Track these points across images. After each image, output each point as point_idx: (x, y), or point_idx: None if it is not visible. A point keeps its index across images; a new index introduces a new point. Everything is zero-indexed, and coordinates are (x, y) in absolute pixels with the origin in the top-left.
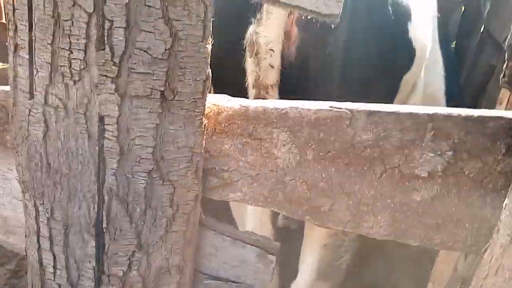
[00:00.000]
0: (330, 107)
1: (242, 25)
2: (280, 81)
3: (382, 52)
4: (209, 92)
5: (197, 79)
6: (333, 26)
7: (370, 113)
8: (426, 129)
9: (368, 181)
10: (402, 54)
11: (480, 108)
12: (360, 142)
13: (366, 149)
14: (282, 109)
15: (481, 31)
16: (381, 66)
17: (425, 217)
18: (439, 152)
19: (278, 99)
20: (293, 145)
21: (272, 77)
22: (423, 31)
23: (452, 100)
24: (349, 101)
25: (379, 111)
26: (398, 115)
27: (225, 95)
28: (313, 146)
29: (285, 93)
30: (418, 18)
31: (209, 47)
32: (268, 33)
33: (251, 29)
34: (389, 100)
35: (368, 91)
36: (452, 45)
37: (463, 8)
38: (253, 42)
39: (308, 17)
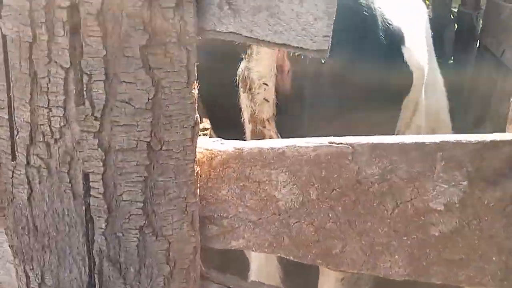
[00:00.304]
0: (330, 142)
1: (233, 61)
2: (277, 114)
3: (379, 78)
4: (207, 131)
5: (185, 126)
6: (323, 61)
7: (373, 146)
8: (436, 159)
9: (379, 218)
10: (399, 79)
11: (486, 122)
12: (365, 177)
13: (373, 184)
14: (279, 148)
15: (477, 46)
16: (379, 93)
17: (446, 253)
18: (453, 183)
19: (276, 132)
20: (294, 186)
21: (267, 111)
22: (418, 52)
23: (456, 117)
24: (350, 128)
25: (382, 143)
26: (403, 146)
27: (218, 138)
28: (316, 185)
29: (283, 126)
30: (412, 40)
31: (195, 92)
32: (260, 67)
33: (242, 65)
34: (392, 126)
35: (368, 120)
36: (450, 62)
37: (456, 26)
38: (245, 77)
39: (296, 54)
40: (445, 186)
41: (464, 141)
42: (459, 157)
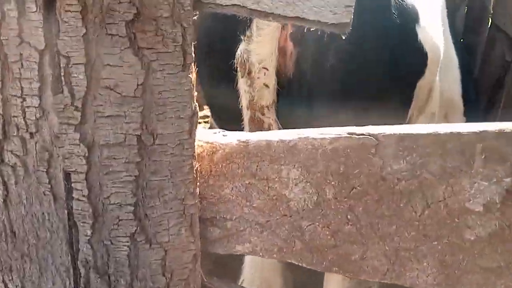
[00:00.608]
0: (349, 133)
1: (232, 43)
2: (277, 101)
3: (390, 59)
4: (208, 119)
5: (181, 116)
6: (343, 37)
7: (401, 137)
8: (475, 152)
9: (406, 221)
10: (413, 60)
11: (499, 105)
12: (391, 173)
13: (400, 181)
14: (290, 141)
15: (489, 26)
16: (391, 75)
17: (482, 259)
18: (494, 179)
19: (276, 120)
20: (308, 183)
21: (267, 97)
22: (434, 32)
23: (468, 102)
24: (358, 116)
25: (412, 134)
26: (437, 136)
27: (220, 129)
28: (332, 183)
29: (283, 114)
30: (427, 19)
31: (193, 76)
32: (260, 50)
33: (241, 47)
34: (404, 111)
35: (379, 104)
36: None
37: (466, 6)
38: (244, 61)
39: (312, 29)
40: (485, 183)
41: (508, 130)
42: (502, 149)
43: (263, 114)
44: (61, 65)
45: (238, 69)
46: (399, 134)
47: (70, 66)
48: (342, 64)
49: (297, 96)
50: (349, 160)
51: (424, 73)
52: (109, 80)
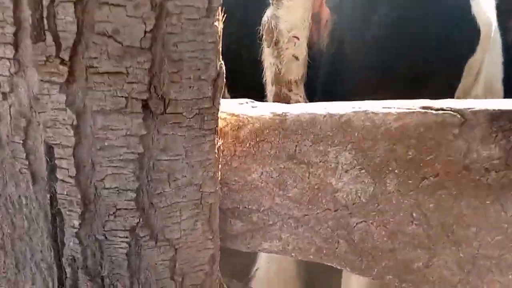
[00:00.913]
0: (423, 107)
1: (257, 7)
2: (307, 75)
3: (439, 33)
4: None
5: (202, 77)
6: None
7: (495, 115)
8: None
9: (492, 222)
10: (465, 35)
11: None
12: (478, 161)
13: (489, 172)
14: (341, 115)
15: None
16: (439, 51)
17: None
18: None
19: (305, 98)
20: (363, 171)
21: (296, 71)
22: (487, 6)
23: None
24: (399, 96)
25: (510, 111)
26: None
27: (246, 99)
28: (396, 171)
29: (313, 91)
30: None
31: (220, 26)
32: (291, 16)
33: (268, 12)
34: (450, 92)
35: (424, 84)
36: None
37: None
38: (271, 28)
39: None
40: None
41: None
42: None
43: (290, 90)
44: (44, 3)
45: (263, 37)
46: (493, 110)
47: (55, 5)
48: (384, 36)
49: (331, 71)
50: (422, 142)
51: (476, 51)
52: (107, 24)
